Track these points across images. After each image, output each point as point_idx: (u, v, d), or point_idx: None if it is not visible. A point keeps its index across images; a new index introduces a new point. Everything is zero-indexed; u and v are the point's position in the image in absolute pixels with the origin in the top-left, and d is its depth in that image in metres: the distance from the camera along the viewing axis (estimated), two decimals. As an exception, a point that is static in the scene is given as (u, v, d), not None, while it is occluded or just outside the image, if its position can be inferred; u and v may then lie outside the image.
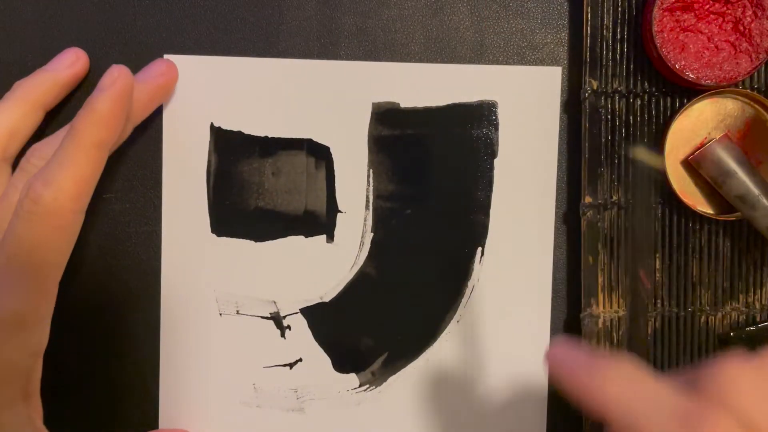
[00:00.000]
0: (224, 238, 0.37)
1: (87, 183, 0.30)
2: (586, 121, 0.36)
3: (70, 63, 0.35)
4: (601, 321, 0.37)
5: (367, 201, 0.37)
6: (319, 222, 0.37)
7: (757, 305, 0.38)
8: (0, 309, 0.29)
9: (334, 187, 0.37)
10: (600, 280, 0.37)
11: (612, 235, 0.37)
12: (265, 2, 0.36)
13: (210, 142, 0.37)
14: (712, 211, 0.37)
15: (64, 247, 0.30)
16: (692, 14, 0.35)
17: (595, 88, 0.36)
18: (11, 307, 0.29)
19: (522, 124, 0.37)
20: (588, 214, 0.37)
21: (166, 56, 0.36)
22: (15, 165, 0.34)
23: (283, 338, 0.38)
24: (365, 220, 0.37)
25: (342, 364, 0.38)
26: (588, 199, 0.37)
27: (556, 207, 0.37)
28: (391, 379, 0.38)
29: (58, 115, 0.36)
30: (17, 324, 0.29)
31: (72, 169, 0.29)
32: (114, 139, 0.31)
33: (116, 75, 0.30)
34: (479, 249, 0.37)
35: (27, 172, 0.31)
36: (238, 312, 0.37)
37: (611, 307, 0.37)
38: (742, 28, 0.35)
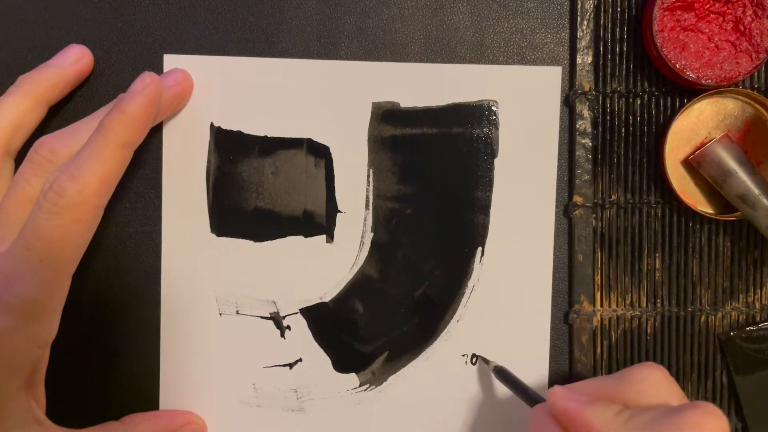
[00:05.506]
0: (224, 238, 0.37)
1: (111, 180, 0.30)
2: (574, 121, 0.36)
3: (76, 59, 0.35)
4: (597, 319, 0.37)
5: (367, 201, 0.37)
6: (319, 222, 0.37)
7: (757, 305, 0.38)
8: (15, 298, 0.29)
9: (333, 187, 0.37)
10: (598, 278, 0.37)
11: (611, 235, 0.37)
12: (265, 2, 0.36)
13: (210, 141, 0.37)
14: (712, 211, 0.37)
15: (82, 242, 0.31)
16: (693, 14, 0.35)
17: (587, 88, 0.36)
18: (26, 296, 0.29)
19: (522, 124, 0.37)
20: (576, 213, 0.37)
21: (166, 56, 0.36)
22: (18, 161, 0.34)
23: (282, 338, 0.38)
24: (365, 220, 0.37)
25: (342, 364, 0.38)
26: (577, 199, 0.37)
27: (556, 206, 0.37)
28: (392, 378, 0.38)
29: (60, 110, 0.36)
30: (30, 314, 0.30)
31: (98, 165, 0.30)
32: (139, 142, 0.31)
33: (148, 81, 0.31)
34: (479, 249, 0.37)
35: (35, 164, 0.31)
36: (238, 312, 0.37)
37: (609, 306, 0.37)
38: (742, 27, 0.35)
